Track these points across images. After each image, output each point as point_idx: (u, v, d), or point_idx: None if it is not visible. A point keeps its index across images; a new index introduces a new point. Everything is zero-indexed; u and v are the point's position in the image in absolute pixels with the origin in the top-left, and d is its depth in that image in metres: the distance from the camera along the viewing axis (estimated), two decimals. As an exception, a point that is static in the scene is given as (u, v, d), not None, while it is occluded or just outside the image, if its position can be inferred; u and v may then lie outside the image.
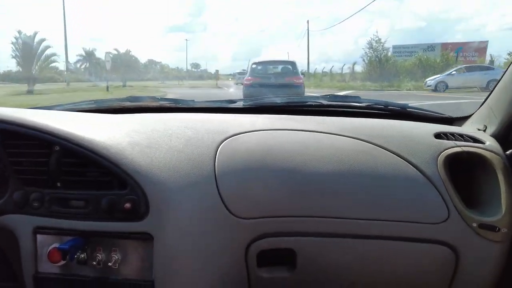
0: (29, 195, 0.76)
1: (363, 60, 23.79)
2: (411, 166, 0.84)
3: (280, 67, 9.06)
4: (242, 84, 9.60)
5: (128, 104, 1.18)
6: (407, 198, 0.81)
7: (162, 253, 0.72)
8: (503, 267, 0.82)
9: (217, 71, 31.05)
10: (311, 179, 0.81)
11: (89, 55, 66.57)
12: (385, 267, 0.83)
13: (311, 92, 14.23)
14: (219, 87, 24.04)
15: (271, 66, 9.13)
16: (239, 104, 1.19)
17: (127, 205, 0.72)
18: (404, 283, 0.84)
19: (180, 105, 1.19)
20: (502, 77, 0.90)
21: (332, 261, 0.82)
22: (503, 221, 0.79)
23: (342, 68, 25.04)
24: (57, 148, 0.76)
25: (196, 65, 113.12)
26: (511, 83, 0.87)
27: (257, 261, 0.81)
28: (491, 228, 0.79)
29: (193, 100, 1.24)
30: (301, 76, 8.76)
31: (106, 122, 0.95)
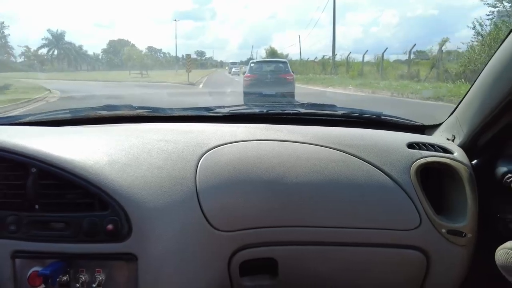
0: (6, 218, 0.82)
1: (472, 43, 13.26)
2: (385, 175, 0.98)
3: (274, 65, 11.52)
4: (230, 73, 17.83)
5: (104, 113, 1.30)
6: (381, 206, 0.96)
7: (147, 272, 0.80)
8: (468, 269, 0.99)
9: (188, 55, 25.85)
10: (290, 190, 0.95)
11: (57, 39, 63.18)
12: (363, 272, 0.99)
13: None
14: (191, 84, 20.42)
15: (266, 65, 11.64)
16: (218, 112, 1.32)
17: (109, 226, 0.79)
18: (379, 286, 1.01)
19: (157, 114, 1.33)
20: (469, 89, 1.02)
21: (311, 268, 0.98)
22: (468, 227, 0.96)
23: (381, 55, 18.29)
24: (34, 170, 0.82)
25: (201, 53, 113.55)
26: (477, 97, 0.98)
27: (240, 270, 0.95)
28: (458, 233, 0.95)
29: (171, 108, 1.39)
30: (292, 74, 11.06)
31: (84, 138, 1.03)
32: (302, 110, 1.35)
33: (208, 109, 1.38)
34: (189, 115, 1.35)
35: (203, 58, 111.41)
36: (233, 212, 0.93)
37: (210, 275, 0.91)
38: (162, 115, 1.34)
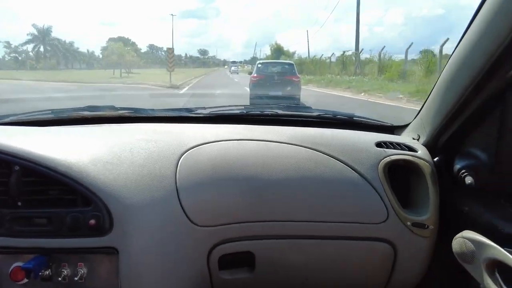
0: None
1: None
2: (355, 172, 1.06)
3: (281, 67, 11.97)
4: (231, 72, 24.57)
5: (87, 114, 1.34)
6: (351, 201, 1.04)
7: (128, 265, 0.85)
8: (431, 259, 1.08)
9: (170, 49, 20.77)
10: (267, 187, 1.02)
11: (43, 35, 57.81)
12: (335, 263, 1.07)
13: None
14: (174, 87, 17.29)
15: (273, 66, 12.09)
16: (199, 113, 1.38)
17: (92, 221, 0.83)
18: (351, 276, 1.09)
19: (139, 114, 1.38)
20: (431, 91, 1.08)
21: (287, 260, 1.05)
22: (430, 219, 1.04)
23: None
24: (17, 168, 0.85)
25: (203, 52, 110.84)
26: (436, 98, 1.05)
27: (219, 264, 1.01)
28: (422, 225, 1.04)
29: (153, 109, 1.44)
30: (298, 76, 11.58)
31: (67, 137, 1.08)
32: (280, 112, 1.41)
33: (189, 110, 1.44)
34: (171, 115, 1.40)
35: (206, 56, 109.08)
36: (212, 208, 0.98)
37: (190, 268, 0.96)
38: (143, 115, 1.38)
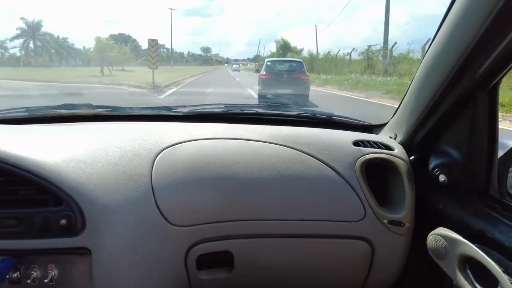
0: None
1: None
2: (332, 171, 1.07)
3: (290, 64, 12.12)
4: (232, 70, 24.82)
5: (63, 112, 1.32)
6: (329, 200, 1.05)
7: (101, 266, 0.83)
8: (407, 256, 1.09)
9: (153, 40, 16.15)
10: (245, 186, 1.02)
11: (33, 30, 54.59)
12: (313, 261, 1.08)
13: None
14: (156, 88, 14.71)
15: (282, 64, 12.19)
16: (178, 112, 1.37)
17: (63, 221, 0.82)
18: (330, 274, 1.10)
19: (117, 113, 1.36)
20: (407, 91, 1.08)
21: (266, 259, 1.05)
22: (406, 217, 1.05)
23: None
24: None
25: (206, 49, 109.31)
26: (412, 97, 1.05)
27: (197, 264, 1.01)
28: (398, 223, 1.05)
29: (131, 107, 1.43)
30: (307, 74, 11.53)
31: (40, 136, 1.06)
32: (260, 110, 1.40)
33: (168, 108, 1.42)
34: (149, 114, 1.38)
35: (208, 54, 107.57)
36: (189, 207, 0.97)
37: (167, 269, 0.95)
38: (121, 114, 1.36)
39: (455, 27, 0.80)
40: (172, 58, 48.73)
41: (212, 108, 1.43)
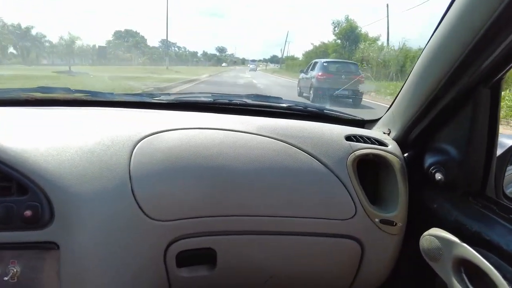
0: None
1: None
2: (323, 165, 1.05)
3: (346, 65, 13.35)
4: (249, 70, 24.13)
5: (38, 95, 1.25)
6: (318, 196, 1.03)
7: (70, 262, 0.79)
8: (399, 256, 1.08)
9: None
10: (229, 179, 1.00)
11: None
12: (301, 260, 1.06)
13: None
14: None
15: (339, 65, 13.07)
16: (162, 99, 1.34)
17: (27, 212, 0.77)
18: (317, 273, 1.08)
19: (97, 98, 1.32)
20: (403, 85, 1.07)
21: (251, 257, 1.03)
22: (398, 216, 1.04)
23: None
24: None
25: (221, 49, 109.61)
26: (408, 92, 1.04)
27: (177, 261, 0.99)
28: (390, 223, 1.04)
29: (112, 93, 1.40)
30: (362, 75, 12.82)
31: (7, 119, 1.03)
32: (249, 101, 1.37)
33: (151, 95, 1.40)
34: (131, 100, 1.36)
35: (223, 54, 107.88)
36: (169, 200, 0.94)
37: (143, 266, 0.92)
38: (101, 99, 1.33)
39: (459, 18, 0.78)
40: (167, 55, 43.14)
41: (198, 97, 1.42)
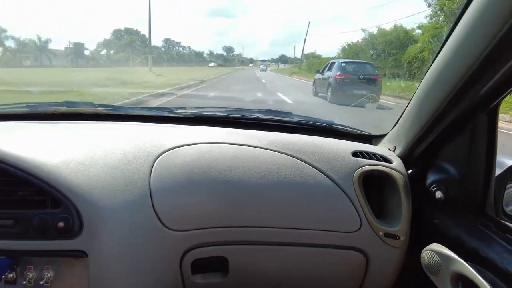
0: None
1: None
2: (330, 180, 1.12)
3: (364, 66, 13.75)
4: (260, 70, 26.50)
5: (64, 109, 1.38)
6: (326, 209, 1.11)
7: (97, 270, 0.88)
8: (401, 269, 1.15)
9: None
10: (242, 192, 1.08)
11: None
12: (308, 270, 1.14)
13: None
14: None
15: (357, 66, 13.55)
16: (179, 114, 1.44)
17: (61, 224, 0.86)
18: (323, 283, 1.15)
19: (117, 112, 1.44)
20: (409, 102, 1.13)
21: (260, 266, 1.12)
22: (401, 231, 1.11)
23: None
24: None
25: (229, 49, 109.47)
26: (414, 110, 1.09)
27: (192, 268, 1.07)
28: (393, 236, 1.10)
29: (132, 107, 1.60)
30: (380, 75, 13.19)
31: (39, 135, 1.13)
32: (261, 116, 1.46)
33: (169, 109, 1.49)
34: (150, 114, 1.46)
35: (231, 54, 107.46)
36: (186, 212, 1.02)
37: (162, 273, 1.00)
38: (122, 113, 1.43)
39: (460, 45, 0.83)
40: (150, 53, 36.50)
41: (213, 111, 1.51)
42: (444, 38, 0.89)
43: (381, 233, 1.11)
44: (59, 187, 0.87)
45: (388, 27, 28.82)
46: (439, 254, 0.87)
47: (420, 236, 1.12)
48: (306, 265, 1.13)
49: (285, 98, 12.16)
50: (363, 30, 31.56)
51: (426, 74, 0.99)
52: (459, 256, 0.83)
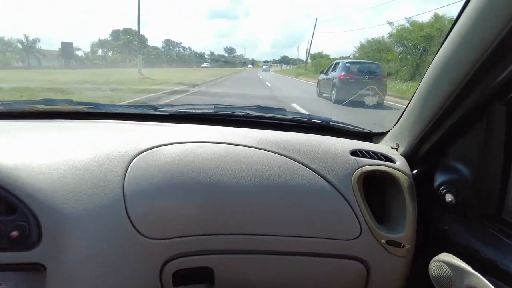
0: None
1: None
2: (326, 182, 1.03)
3: (369, 66, 13.62)
4: (263, 71, 26.43)
5: (41, 107, 1.29)
6: (322, 215, 1.01)
7: (57, 285, 0.79)
8: (406, 281, 1.05)
9: None
10: (228, 196, 0.98)
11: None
12: (302, 282, 1.04)
13: None
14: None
15: (362, 66, 13.36)
16: (164, 111, 1.35)
17: (14, 233, 0.78)
18: None
19: (98, 110, 1.35)
20: (411, 99, 1.05)
21: (250, 277, 1.02)
22: (406, 238, 1.01)
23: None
24: None
25: (230, 50, 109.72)
26: (416, 106, 1.02)
27: (173, 280, 0.98)
28: (397, 244, 1.01)
29: (114, 105, 1.48)
30: (385, 76, 13.10)
31: (7, 134, 1.04)
32: (252, 113, 1.37)
33: (153, 107, 1.41)
34: (133, 112, 1.38)
35: (232, 55, 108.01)
36: (165, 218, 0.93)
37: (138, 285, 0.91)
38: (103, 111, 1.36)
39: (472, 26, 0.75)
40: (141, 53, 33.64)
41: (201, 109, 1.43)
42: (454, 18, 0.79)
43: (383, 241, 1.02)
44: (14, 191, 0.78)
45: (425, 18, 26.55)
46: (450, 265, 0.79)
47: (427, 245, 1.03)
48: (300, 276, 1.03)
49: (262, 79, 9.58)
50: (390, 24, 28.13)
51: (432, 63, 0.91)
52: (472, 267, 0.75)
